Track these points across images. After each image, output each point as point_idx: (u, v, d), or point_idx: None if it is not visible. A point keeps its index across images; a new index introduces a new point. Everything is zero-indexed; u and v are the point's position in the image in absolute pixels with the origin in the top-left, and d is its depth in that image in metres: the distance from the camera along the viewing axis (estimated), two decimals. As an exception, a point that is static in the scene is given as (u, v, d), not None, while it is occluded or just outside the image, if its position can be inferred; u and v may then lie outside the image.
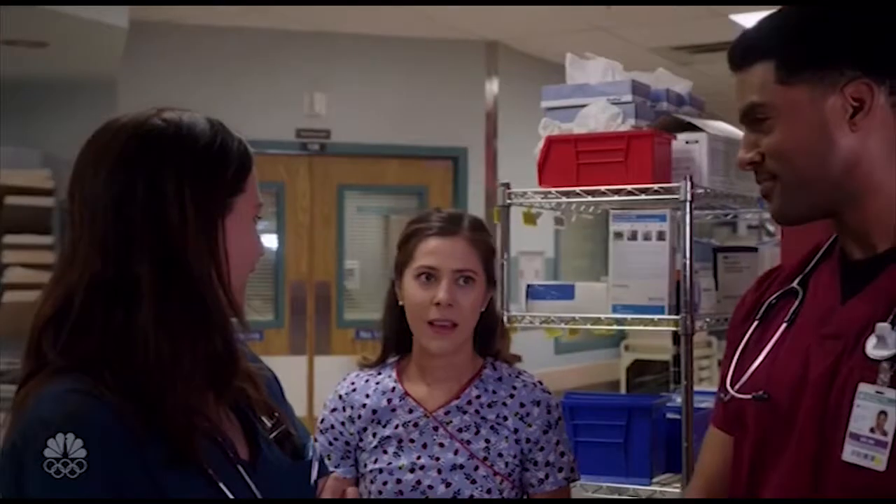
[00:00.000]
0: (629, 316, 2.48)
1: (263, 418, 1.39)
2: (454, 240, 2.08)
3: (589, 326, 2.54)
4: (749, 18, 6.08)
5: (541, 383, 2.16)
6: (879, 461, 1.27)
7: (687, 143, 2.55)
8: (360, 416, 2.09)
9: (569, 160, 2.54)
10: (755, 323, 1.52)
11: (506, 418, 2.07)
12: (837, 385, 1.34)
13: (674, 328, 2.45)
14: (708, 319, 2.52)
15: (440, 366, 2.10)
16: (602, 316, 2.52)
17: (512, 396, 2.10)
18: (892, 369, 1.28)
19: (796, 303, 1.47)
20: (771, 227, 7.55)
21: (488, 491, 2.02)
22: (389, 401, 2.09)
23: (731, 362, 1.51)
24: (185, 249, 1.24)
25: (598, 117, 2.56)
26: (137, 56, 5.61)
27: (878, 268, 1.38)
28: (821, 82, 1.38)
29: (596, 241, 7.97)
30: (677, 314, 2.44)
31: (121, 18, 4.68)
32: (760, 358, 1.45)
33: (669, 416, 2.60)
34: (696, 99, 2.85)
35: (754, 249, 2.82)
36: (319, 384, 6.00)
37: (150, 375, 1.21)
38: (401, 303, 2.12)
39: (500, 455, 2.05)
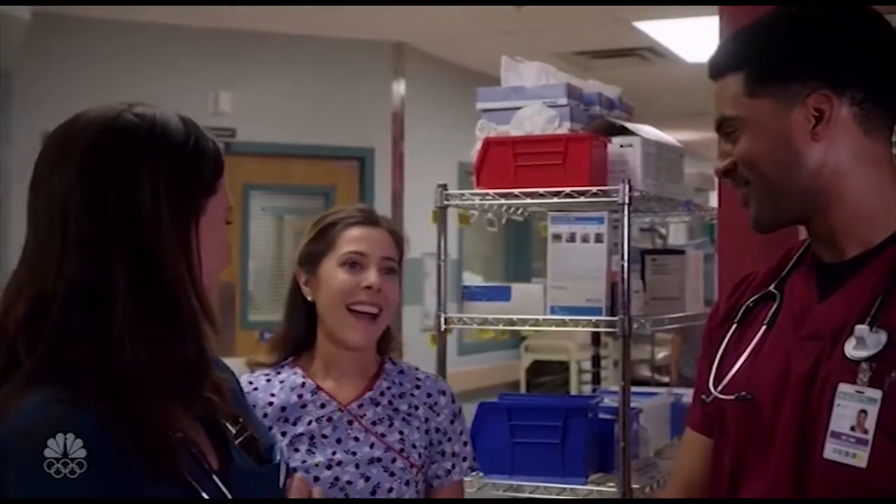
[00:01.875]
0: (567, 317, 2.50)
1: (227, 425, 1.36)
2: (378, 229, 2.11)
3: (527, 328, 2.56)
4: (651, 26, 6.23)
5: (438, 376, 2.20)
6: (861, 458, 1.31)
7: (621, 146, 2.59)
8: (265, 416, 2.03)
9: (506, 162, 2.56)
10: (734, 326, 1.55)
11: (417, 408, 2.08)
12: (817, 385, 1.37)
13: (611, 329, 2.48)
14: (643, 321, 2.56)
15: (349, 360, 2.08)
16: (540, 317, 2.54)
17: (418, 387, 2.12)
18: (872, 369, 1.32)
19: (774, 305, 1.50)
20: (662, 231, 7.73)
21: (406, 483, 2.01)
22: (300, 396, 2.06)
23: (711, 365, 1.53)
24: (160, 251, 1.21)
25: (535, 119, 2.58)
26: (39, 48, 5.42)
27: (848, 271, 1.43)
28: (785, 94, 1.42)
29: (496, 245, 8.04)
30: (613, 315, 2.48)
31: (23, 10, 4.52)
32: (741, 360, 1.48)
33: (602, 415, 2.64)
34: (625, 104, 2.90)
35: (681, 252, 2.88)
36: (223, 387, 5.86)
37: (128, 381, 1.17)
38: (309, 298, 2.09)
39: (414, 446, 2.05)
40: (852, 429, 1.31)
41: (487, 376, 7.09)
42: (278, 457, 1.39)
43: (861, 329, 1.34)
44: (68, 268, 1.18)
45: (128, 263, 1.19)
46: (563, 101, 2.60)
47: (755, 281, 1.58)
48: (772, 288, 1.53)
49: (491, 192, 2.57)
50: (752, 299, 1.55)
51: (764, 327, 1.49)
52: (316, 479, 1.97)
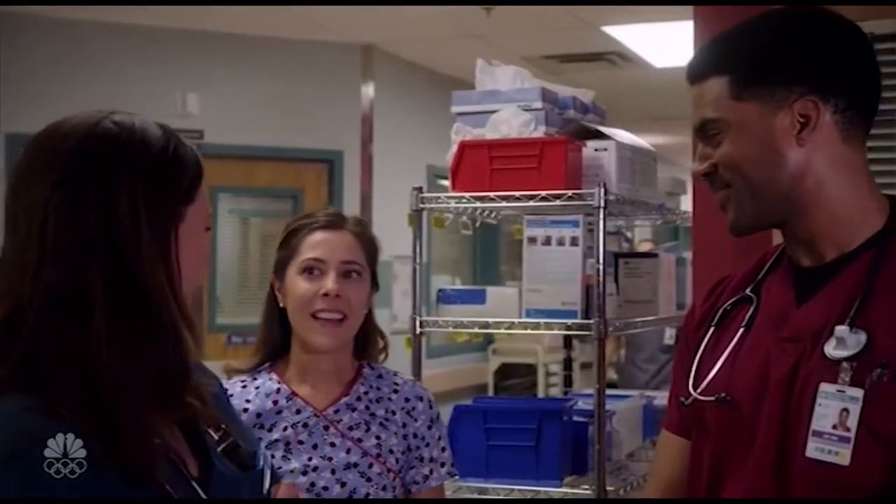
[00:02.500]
0: (542, 320, 2.51)
1: (210, 431, 1.36)
2: (340, 233, 2.08)
3: (503, 331, 2.56)
4: (620, 31, 6.26)
5: (416, 381, 2.20)
6: (843, 456, 1.33)
7: (596, 150, 2.59)
8: None
9: (482, 165, 2.56)
10: (711, 329, 1.56)
11: (394, 413, 2.07)
12: (798, 386, 1.40)
13: (586, 332, 2.49)
14: (617, 324, 2.57)
15: (323, 365, 2.07)
16: (515, 320, 2.54)
17: (396, 392, 2.11)
18: (853, 368, 1.35)
19: (751, 308, 1.52)
20: (629, 234, 7.78)
21: (383, 488, 2.01)
22: (276, 402, 2.04)
23: (690, 367, 1.54)
24: (139, 259, 1.20)
25: (511, 123, 2.58)
26: (4, 49, 5.36)
27: (827, 275, 1.45)
28: (771, 98, 1.44)
29: (463, 248, 8.05)
30: (587, 318, 2.48)
31: (-11, 9, 4.47)
32: (720, 362, 1.50)
33: (575, 418, 2.64)
34: (598, 108, 2.90)
35: (654, 255, 2.90)
36: (190, 390, 5.81)
37: (104, 390, 1.16)
38: (281, 304, 2.08)
39: (391, 451, 2.04)
40: (834, 427, 1.34)
41: (455, 379, 7.09)
42: (261, 462, 1.39)
43: (841, 329, 1.37)
44: (46, 275, 1.18)
45: (106, 272, 1.18)
46: (539, 104, 2.61)
47: (731, 284, 1.60)
48: (748, 291, 1.55)
49: (466, 195, 2.57)
50: (729, 302, 1.57)
51: (742, 329, 1.51)
52: None
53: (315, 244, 2.05)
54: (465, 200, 2.58)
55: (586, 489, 2.52)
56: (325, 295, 2.01)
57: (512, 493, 2.53)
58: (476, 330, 2.61)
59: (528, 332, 2.56)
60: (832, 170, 1.45)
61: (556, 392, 7.69)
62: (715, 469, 1.48)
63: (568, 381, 3.54)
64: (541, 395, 7.68)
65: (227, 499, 1.26)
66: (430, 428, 2.10)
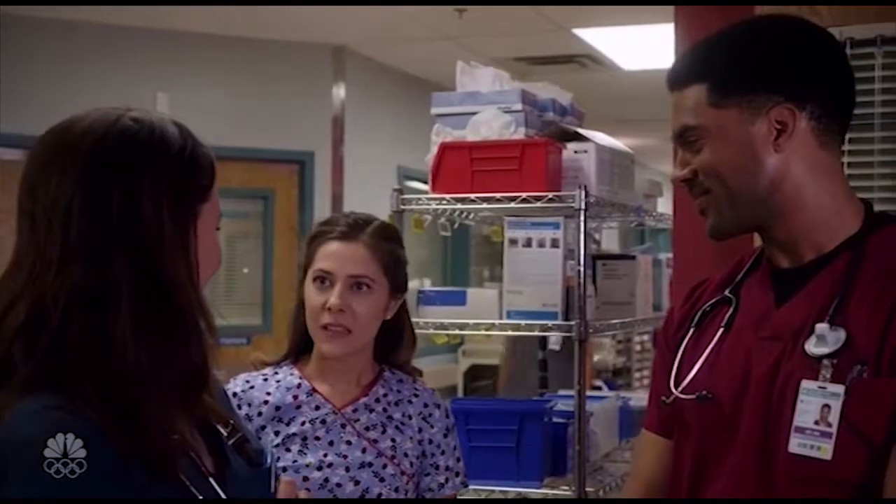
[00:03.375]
0: (523, 322, 2.52)
1: (219, 427, 1.36)
2: (353, 245, 2.06)
3: (483, 332, 2.57)
4: (591, 33, 6.30)
5: (434, 390, 2.20)
6: (825, 451, 1.36)
7: (576, 152, 2.61)
8: (259, 414, 2.03)
9: (463, 167, 2.56)
10: (691, 330, 1.59)
11: (410, 417, 2.08)
12: (779, 383, 1.43)
13: (566, 333, 2.50)
14: (597, 325, 2.58)
15: (340, 366, 2.08)
16: (496, 322, 2.55)
17: (416, 396, 2.11)
18: (833, 365, 1.38)
19: (731, 309, 1.55)
20: (597, 236, 7.83)
21: (396, 490, 2.01)
22: (295, 397, 2.05)
23: (671, 367, 1.57)
24: (163, 256, 1.21)
25: (492, 125, 2.59)
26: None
27: (806, 275, 1.49)
28: (749, 106, 1.47)
29: (433, 249, 8.05)
30: (568, 320, 2.50)
31: (-42, 7, 4.41)
32: (701, 361, 1.53)
33: (555, 419, 2.65)
34: (576, 110, 2.92)
35: (632, 257, 2.92)
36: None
37: (129, 386, 1.16)
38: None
39: (406, 455, 2.05)
40: (816, 423, 1.37)
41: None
42: (269, 460, 1.40)
43: (821, 327, 1.40)
44: (70, 273, 1.17)
45: (131, 268, 1.19)
46: (518, 106, 2.62)
47: (710, 286, 1.63)
48: (727, 292, 1.58)
49: (447, 196, 2.58)
50: (708, 303, 1.59)
51: (721, 330, 1.53)
52: (305, 479, 1.97)
53: (327, 255, 2.05)
54: (445, 202, 2.59)
55: (565, 490, 2.54)
56: (329, 309, 2.02)
57: (493, 494, 2.54)
58: (456, 332, 2.62)
59: (509, 333, 2.57)
60: (809, 175, 1.48)
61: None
62: (697, 467, 1.51)
63: (543, 383, 3.54)
64: (510, 396, 7.69)
65: (224, 499, 1.25)
66: (445, 436, 2.11)
